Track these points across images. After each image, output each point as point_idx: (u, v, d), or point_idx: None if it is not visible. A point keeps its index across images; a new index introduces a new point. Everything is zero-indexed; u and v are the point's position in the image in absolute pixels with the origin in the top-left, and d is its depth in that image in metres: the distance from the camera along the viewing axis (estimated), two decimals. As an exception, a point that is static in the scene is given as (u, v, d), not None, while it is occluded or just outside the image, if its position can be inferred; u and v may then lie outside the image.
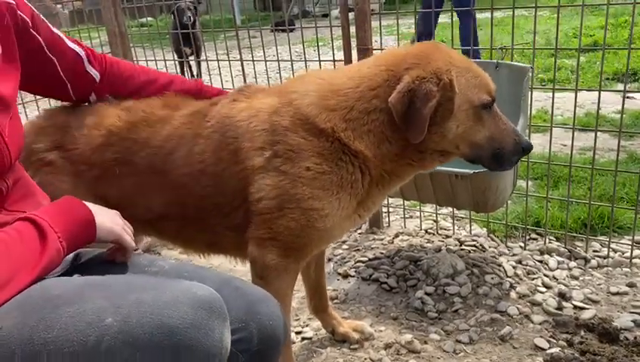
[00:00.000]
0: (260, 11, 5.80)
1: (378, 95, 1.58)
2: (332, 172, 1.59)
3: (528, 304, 2.33)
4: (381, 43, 2.83)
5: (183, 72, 7.30)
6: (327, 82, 1.66)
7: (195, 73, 7.87)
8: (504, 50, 2.59)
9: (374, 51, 2.86)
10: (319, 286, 2.13)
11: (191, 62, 7.63)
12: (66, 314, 1.03)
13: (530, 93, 2.57)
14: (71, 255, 1.38)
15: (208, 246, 1.83)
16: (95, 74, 1.70)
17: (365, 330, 2.20)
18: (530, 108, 2.61)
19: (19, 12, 1.38)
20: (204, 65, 7.07)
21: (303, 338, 2.26)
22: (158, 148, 1.67)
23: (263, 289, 1.43)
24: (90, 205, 1.29)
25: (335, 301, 2.50)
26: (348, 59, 2.90)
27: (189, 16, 7.07)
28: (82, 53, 1.66)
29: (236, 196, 1.63)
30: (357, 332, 2.19)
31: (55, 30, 1.57)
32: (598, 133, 2.62)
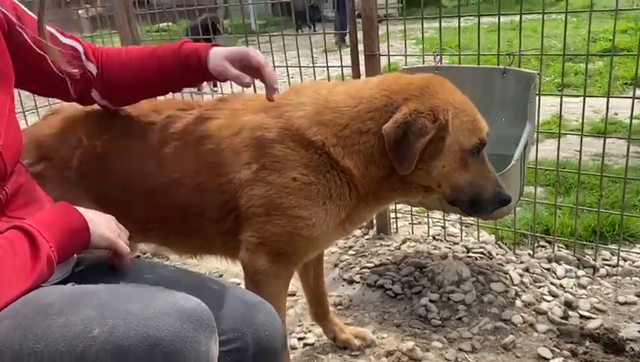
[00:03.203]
0: (277, 16, 5.81)
1: (374, 118, 1.60)
2: (319, 183, 1.60)
3: (533, 313, 2.31)
4: (388, 48, 2.83)
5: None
6: (324, 97, 1.66)
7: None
8: (512, 57, 2.56)
9: (381, 57, 2.87)
10: (319, 292, 2.14)
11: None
12: (56, 325, 1.04)
13: (539, 99, 2.54)
14: (73, 261, 1.40)
15: (198, 249, 1.85)
16: (93, 67, 1.62)
17: (367, 337, 2.19)
18: (539, 114, 2.58)
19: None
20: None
21: (305, 344, 2.26)
22: (127, 157, 1.70)
23: (260, 298, 1.44)
24: (84, 211, 1.28)
25: (339, 307, 2.50)
26: (355, 66, 2.91)
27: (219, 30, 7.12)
28: (79, 47, 1.60)
29: (222, 207, 1.65)
30: (358, 339, 2.18)
31: (48, 27, 1.48)
32: (615, 140, 2.58)
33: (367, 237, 3.12)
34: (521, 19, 2.53)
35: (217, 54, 1.58)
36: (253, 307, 1.37)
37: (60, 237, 1.20)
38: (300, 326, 2.38)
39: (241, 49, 1.61)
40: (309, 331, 2.33)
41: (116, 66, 1.65)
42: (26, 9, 1.48)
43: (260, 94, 1.92)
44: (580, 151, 2.63)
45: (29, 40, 1.43)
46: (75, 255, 1.40)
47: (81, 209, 1.29)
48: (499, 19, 2.56)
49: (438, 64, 2.72)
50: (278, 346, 1.37)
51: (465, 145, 1.60)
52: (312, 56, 3.02)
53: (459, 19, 2.67)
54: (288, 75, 3.21)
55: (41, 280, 1.16)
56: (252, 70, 1.60)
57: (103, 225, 1.32)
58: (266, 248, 1.65)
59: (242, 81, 1.57)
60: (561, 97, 2.56)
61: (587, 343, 2.10)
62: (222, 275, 2.85)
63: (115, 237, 1.33)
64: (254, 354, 1.31)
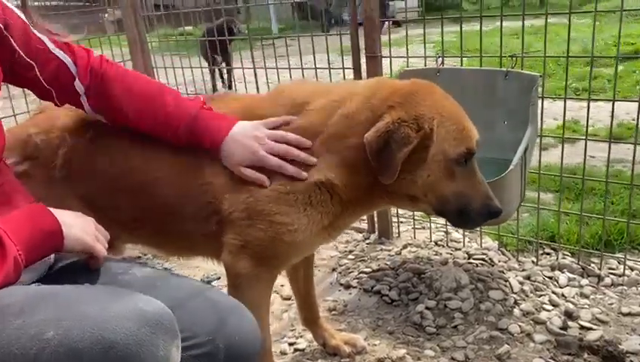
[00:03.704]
0: (298, 20, 5.82)
1: (357, 132, 1.55)
2: (297, 191, 1.57)
3: (531, 322, 2.23)
4: (390, 51, 2.79)
5: (213, 80, 7.50)
6: (303, 118, 1.63)
7: (225, 80, 8.02)
8: (514, 59, 2.50)
9: (383, 59, 2.83)
10: (309, 297, 2.10)
11: (222, 70, 7.76)
12: (12, 326, 1.02)
13: (542, 102, 2.48)
14: (49, 261, 1.38)
15: (183, 249, 1.84)
16: (80, 87, 1.58)
17: (358, 344, 2.14)
18: (542, 117, 2.51)
19: None
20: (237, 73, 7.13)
21: (296, 350, 2.22)
22: (110, 154, 1.68)
23: (237, 301, 1.42)
24: (60, 213, 1.26)
25: (333, 312, 2.45)
26: (357, 68, 2.87)
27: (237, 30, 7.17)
28: (68, 61, 1.56)
29: (204, 208, 1.62)
30: (349, 346, 2.13)
31: (39, 34, 1.50)
32: (631, 145, 2.47)
33: (367, 241, 3.08)
34: (523, 20, 2.46)
35: (232, 155, 1.57)
36: (227, 311, 1.35)
37: (29, 239, 1.18)
38: (292, 330, 2.35)
39: (256, 156, 1.56)
40: (301, 336, 2.29)
41: (108, 102, 1.60)
42: (16, 10, 1.46)
43: (246, 95, 1.90)
44: (585, 156, 2.55)
45: (15, 46, 1.42)
46: (53, 255, 1.39)
47: (56, 211, 1.26)
48: (501, 21, 2.50)
49: (440, 66, 2.67)
50: (252, 352, 1.34)
51: (450, 154, 1.54)
52: (314, 59, 2.97)
53: (460, 22, 2.62)
54: (291, 77, 3.20)
55: (6, 283, 1.14)
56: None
57: (79, 228, 1.29)
58: (248, 251, 1.62)
59: (260, 184, 1.57)
60: (565, 100, 2.49)
61: (585, 355, 2.03)
62: (219, 278, 2.83)
63: (91, 240, 1.31)
64: (225, 359, 1.28)
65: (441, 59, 2.68)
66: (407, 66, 2.84)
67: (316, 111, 1.62)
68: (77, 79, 1.57)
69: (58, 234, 1.24)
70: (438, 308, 2.37)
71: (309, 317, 2.14)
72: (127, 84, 1.61)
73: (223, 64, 7.21)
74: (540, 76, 2.38)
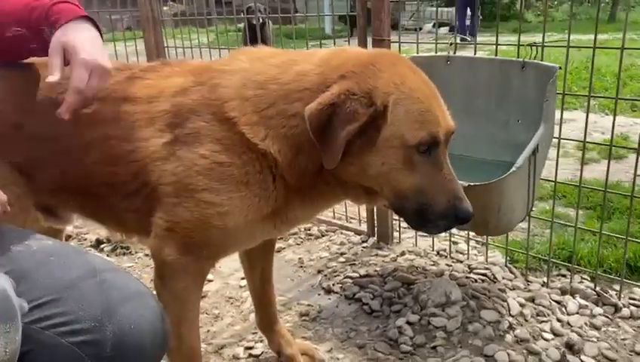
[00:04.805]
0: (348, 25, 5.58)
1: (303, 98, 1.31)
2: (233, 165, 1.34)
3: (524, 351, 1.91)
4: (400, 37, 2.52)
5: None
6: (257, 68, 1.41)
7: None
8: (534, 48, 2.18)
9: (392, 44, 2.57)
10: (265, 297, 1.86)
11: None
12: None
13: (562, 99, 2.16)
14: None
15: (114, 226, 1.64)
16: None
17: (316, 356, 1.90)
18: (562, 118, 2.18)
19: None
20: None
21: (250, 355, 1.99)
22: (42, 114, 1.47)
23: (143, 288, 1.21)
24: None
25: (304, 318, 2.20)
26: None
27: (260, 18, 7.02)
28: None
29: (131, 180, 1.42)
30: (306, 357, 1.89)
31: None
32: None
33: (364, 244, 2.80)
34: (545, 18, 2.14)
35: (70, 36, 1.31)
36: (125, 296, 1.15)
37: None
38: (254, 333, 2.10)
39: (78, 56, 1.30)
40: (261, 341, 2.04)
41: None
42: None
43: (206, 61, 1.70)
44: (608, 169, 2.20)
45: None
46: None
47: None
48: (521, 9, 2.18)
49: (451, 54, 2.39)
50: (147, 345, 1.13)
51: (408, 140, 1.27)
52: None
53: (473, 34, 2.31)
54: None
55: None
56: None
57: None
58: (175, 235, 1.41)
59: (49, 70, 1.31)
60: (588, 106, 2.15)
61: (580, 397, 1.70)
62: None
63: None
64: (112, 349, 1.08)
65: (453, 45, 2.40)
66: (417, 52, 2.57)
67: (272, 67, 1.39)
68: None
69: None
70: (420, 323, 2.08)
71: (265, 320, 1.90)
72: None
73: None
74: (560, 68, 2.06)
